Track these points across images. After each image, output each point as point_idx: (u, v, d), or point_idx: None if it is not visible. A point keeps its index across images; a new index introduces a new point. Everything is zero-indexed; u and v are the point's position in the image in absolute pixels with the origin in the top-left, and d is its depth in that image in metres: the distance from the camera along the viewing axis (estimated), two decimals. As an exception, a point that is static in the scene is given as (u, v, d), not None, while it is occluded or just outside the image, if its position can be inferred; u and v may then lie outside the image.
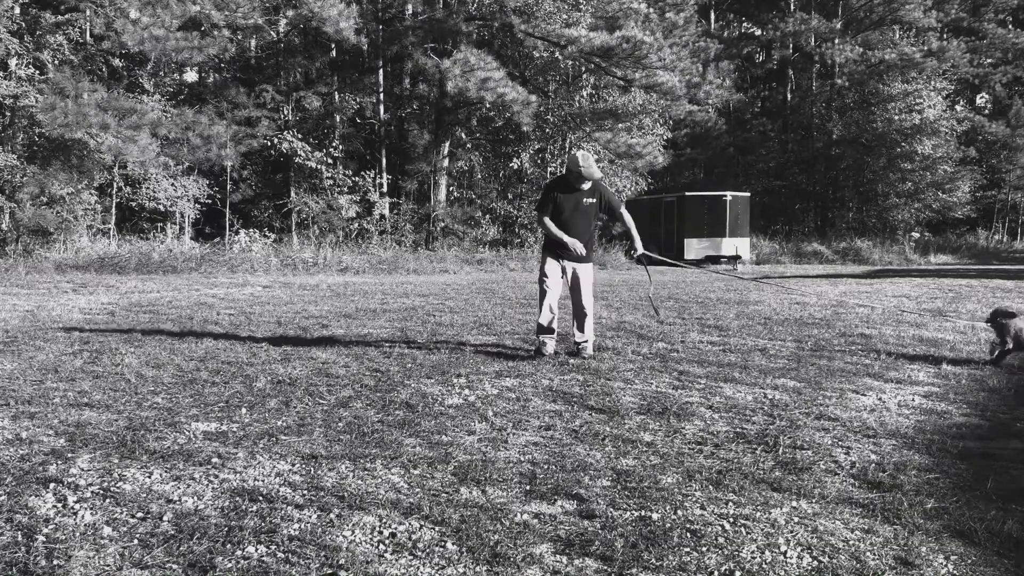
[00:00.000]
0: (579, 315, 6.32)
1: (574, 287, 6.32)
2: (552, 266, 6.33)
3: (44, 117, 16.37)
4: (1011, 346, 5.92)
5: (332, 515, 2.97)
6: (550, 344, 6.33)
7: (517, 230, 24.93)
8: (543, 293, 6.31)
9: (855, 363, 6.13)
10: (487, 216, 25.22)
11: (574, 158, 6.15)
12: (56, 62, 19.55)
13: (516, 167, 26.43)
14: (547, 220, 6.28)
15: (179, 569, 2.53)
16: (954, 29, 35.69)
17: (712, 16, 36.23)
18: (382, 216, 22.97)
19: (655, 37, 21.10)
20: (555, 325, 6.34)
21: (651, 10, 22.38)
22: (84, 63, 20.38)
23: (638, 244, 6.39)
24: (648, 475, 3.43)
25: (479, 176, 27.25)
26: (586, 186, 6.17)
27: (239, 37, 21.75)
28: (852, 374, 5.70)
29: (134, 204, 21.07)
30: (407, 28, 23.02)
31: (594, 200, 6.30)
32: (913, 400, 4.91)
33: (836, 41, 32.76)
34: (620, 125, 24.33)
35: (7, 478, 3.34)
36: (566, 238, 6.18)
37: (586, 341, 6.35)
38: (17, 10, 19.48)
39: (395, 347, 6.87)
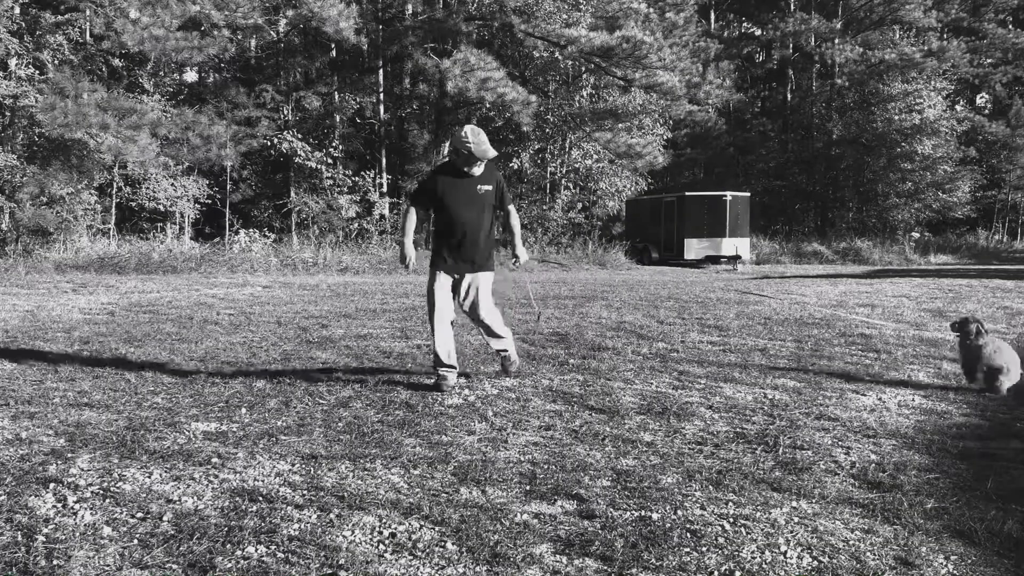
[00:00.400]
0: (483, 326, 5.26)
1: (471, 304, 5.17)
2: (443, 281, 5.10)
3: (44, 117, 16.36)
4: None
5: (332, 515, 2.97)
6: (451, 377, 5.13)
7: (517, 230, 24.92)
8: (432, 316, 5.13)
9: (855, 363, 6.13)
10: (487, 216, 25.20)
11: (460, 134, 4.92)
12: (56, 62, 19.54)
13: (516, 167, 26.44)
14: (412, 213, 5.19)
15: (179, 569, 2.53)
16: (954, 29, 35.70)
17: (712, 16, 36.23)
18: (382, 216, 22.98)
19: (655, 37, 21.11)
20: (454, 358, 5.18)
21: (651, 10, 22.40)
22: (84, 63, 20.38)
23: (521, 251, 5.31)
24: (648, 475, 3.43)
25: (479, 176, 27.24)
26: (478, 170, 5.00)
27: (239, 37, 21.75)
28: (852, 374, 5.70)
29: (134, 204, 21.07)
30: (407, 28, 23.03)
31: (491, 187, 5.08)
32: (913, 400, 4.91)
33: (836, 41, 32.77)
34: (620, 125, 24.34)
35: (7, 478, 3.34)
36: (407, 245, 5.13)
37: (506, 351, 5.34)
38: (17, 10, 19.47)
39: (395, 347, 6.87)
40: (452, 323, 5.16)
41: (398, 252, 4.88)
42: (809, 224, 33.17)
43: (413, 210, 5.19)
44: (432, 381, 5.18)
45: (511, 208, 5.28)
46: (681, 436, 4.07)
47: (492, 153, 4.94)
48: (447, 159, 5.24)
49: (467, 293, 5.14)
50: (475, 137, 4.88)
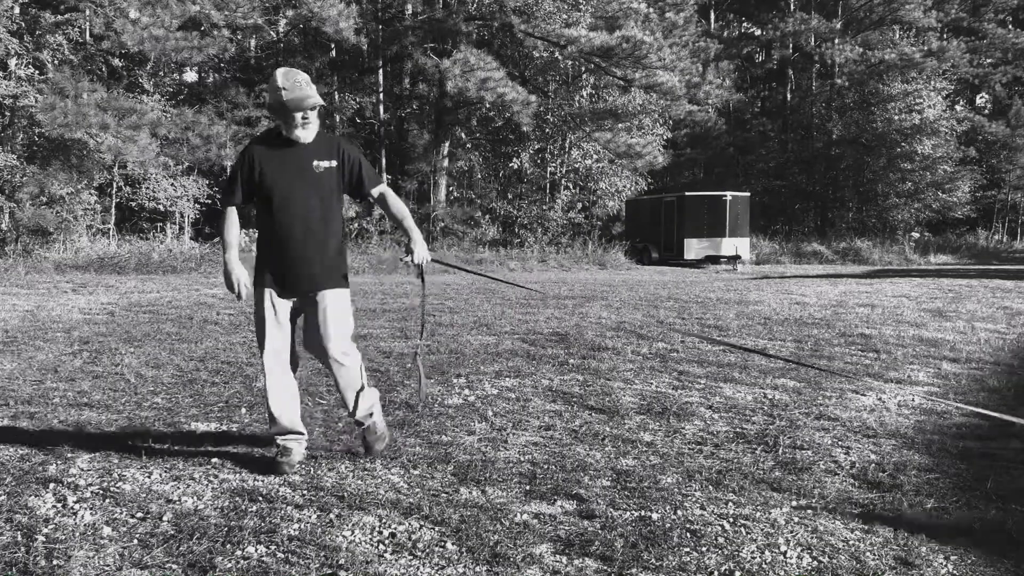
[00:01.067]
0: (333, 372, 3.49)
1: (314, 337, 3.46)
2: (271, 308, 3.43)
3: (44, 117, 16.38)
4: None
5: (332, 515, 2.97)
6: (296, 447, 3.53)
7: (517, 230, 24.95)
8: (263, 357, 3.45)
9: (855, 363, 6.13)
10: (487, 216, 25.23)
11: (272, 80, 3.34)
12: (56, 62, 19.56)
13: (516, 167, 26.46)
14: (229, 216, 3.47)
15: (179, 569, 2.53)
16: (954, 29, 35.71)
17: (712, 16, 36.23)
18: (382, 216, 22.99)
19: (655, 37, 21.12)
20: (298, 422, 3.54)
21: (651, 10, 22.41)
22: (84, 63, 20.40)
23: (419, 245, 3.47)
24: (648, 475, 3.43)
25: (479, 176, 27.28)
26: (305, 134, 3.37)
27: (239, 37, 21.75)
28: (852, 374, 5.69)
29: (134, 204, 21.09)
30: (407, 28, 23.04)
31: (332, 163, 3.43)
32: (913, 400, 4.91)
33: (836, 41, 32.77)
34: (620, 125, 24.34)
35: (7, 478, 3.34)
36: (231, 262, 3.41)
37: (369, 415, 3.59)
38: (17, 10, 19.48)
39: (394, 347, 6.86)
40: (297, 370, 3.59)
41: (231, 277, 3.40)
42: (809, 224, 33.17)
43: (230, 211, 3.47)
44: (271, 453, 3.58)
45: (384, 189, 3.58)
46: (681, 436, 4.07)
47: (314, 100, 3.32)
48: (267, 128, 3.65)
49: (308, 322, 3.50)
50: (287, 80, 3.30)
